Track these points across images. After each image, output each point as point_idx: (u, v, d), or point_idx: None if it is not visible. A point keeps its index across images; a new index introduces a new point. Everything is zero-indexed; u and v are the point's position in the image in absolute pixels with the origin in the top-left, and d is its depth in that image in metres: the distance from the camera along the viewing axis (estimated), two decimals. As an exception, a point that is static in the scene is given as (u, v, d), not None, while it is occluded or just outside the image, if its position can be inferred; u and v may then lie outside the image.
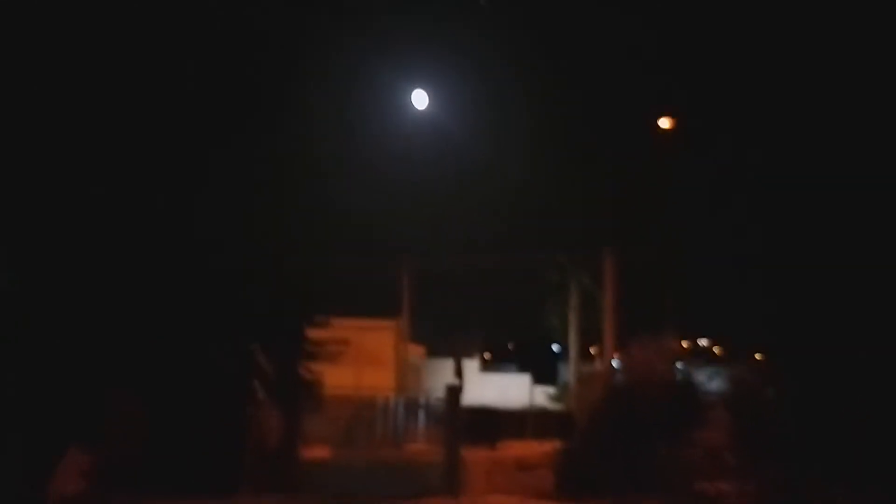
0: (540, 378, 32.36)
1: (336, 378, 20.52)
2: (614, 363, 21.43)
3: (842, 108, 17.76)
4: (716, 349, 35.28)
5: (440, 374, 26.01)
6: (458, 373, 18.09)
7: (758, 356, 19.08)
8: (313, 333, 16.45)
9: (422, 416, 19.12)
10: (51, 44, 12.20)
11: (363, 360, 25.11)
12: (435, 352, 30.66)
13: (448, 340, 31.11)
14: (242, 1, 15.38)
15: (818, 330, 17.76)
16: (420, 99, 23.89)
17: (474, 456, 17.53)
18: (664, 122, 22.72)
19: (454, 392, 17.31)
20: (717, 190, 20.49)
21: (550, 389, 30.69)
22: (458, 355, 19.11)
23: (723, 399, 19.06)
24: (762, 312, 18.90)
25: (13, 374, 11.31)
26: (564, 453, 18.79)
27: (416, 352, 29.23)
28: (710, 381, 19.51)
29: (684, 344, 33.03)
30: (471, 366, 32.27)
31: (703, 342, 35.31)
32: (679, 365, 20.59)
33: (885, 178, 17.03)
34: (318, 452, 17.78)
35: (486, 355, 39.04)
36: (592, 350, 30.79)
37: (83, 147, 12.33)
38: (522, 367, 34.75)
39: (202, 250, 13.33)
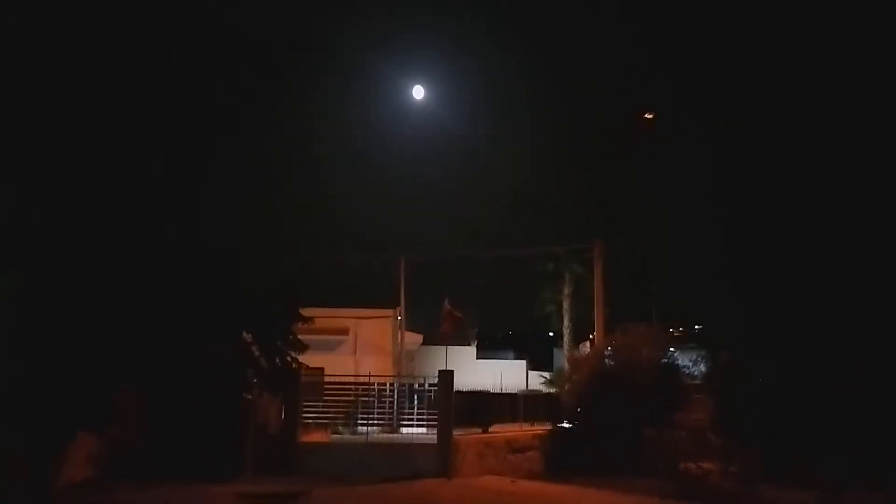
0: (536, 364, 33.03)
1: (336, 365, 21.21)
2: (604, 349, 22.03)
3: (822, 105, 18.13)
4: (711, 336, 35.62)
5: (435, 361, 26.68)
6: None
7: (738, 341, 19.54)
8: (310, 324, 17.03)
9: (417, 401, 19.64)
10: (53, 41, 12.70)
11: (362, 348, 25.81)
12: (431, 340, 31.26)
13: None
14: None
15: (798, 316, 18.26)
16: (418, 93, 24.45)
17: (467, 439, 18.00)
18: (648, 115, 23.34)
19: (447, 377, 17.83)
20: (701, 180, 20.99)
21: (546, 374, 31.33)
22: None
23: (706, 382, 19.69)
24: (746, 299, 19.39)
25: (24, 368, 11.78)
26: (553, 435, 19.47)
27: (412, 340, 29.86)
28: (695, 365, 20.01)
29: (679, 329, 33.60)
30: (468, 353, 32.95)
31: (696, 327, 35.77)
32: (668, 350, 21.12)
33: (859, 175, 17.44)
34: (317, 437, 18.36)
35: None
36: (590, 336, 31.34)
37: (85, 151, 12.81)
38: (519, 354, 35.43)
39: (198, 244, 13.84)
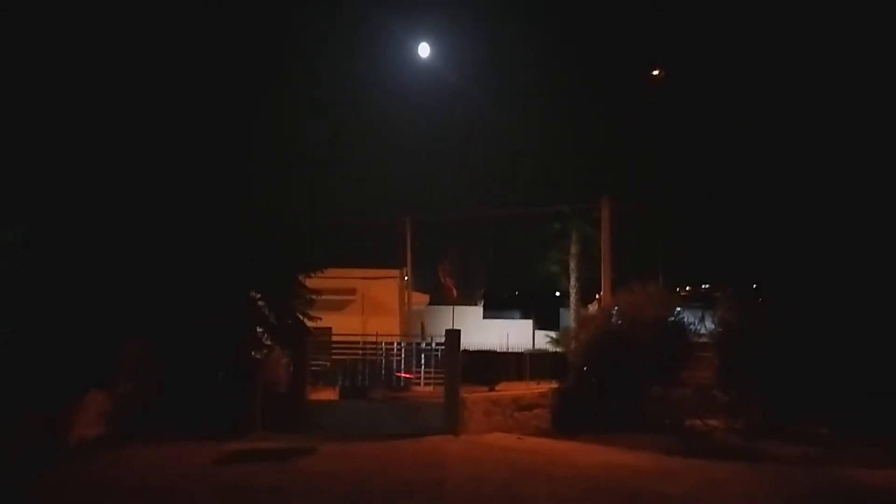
0: (542, 323, 33.15)
1: (344, 325, 21.34)
2: (611, 308, 22.02)
3: (829, 62, 17.91)
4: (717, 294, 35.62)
5: (442, 321, 26.83)
6: None
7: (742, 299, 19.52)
8: (317, 283, 17.11)
9: (424, 359, 19.78)
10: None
11: (369, 308, 25.96)
12: (437, 300, 31.37)
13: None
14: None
15: (805, 271, 18.21)
16: (424, 50, 24.13)
17: (474, 397, 18.13)
18: (655, 72, 23.06)
19: (454, 336, 17.90)
20: (709, 138, 20.85)
21: (552, 333, 31.44)
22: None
23: (713, 340, 19.69)
24: (748, 257, 19.36)
25: (31, 323, 11.82)
26: (560, 393, 19.56)
27: (419, 300, 29.95)
28: (701, 323, 19.99)
29: (685, 288, 33.66)
30: (475, 312, 33.05)
31: (703, 287, 35.82)
32: (675, 308, 21.08)
33: (865, 128, 17.25)
34: (326, 395, 18.54)
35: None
36: (596, 296, 31.41)
37: (95, 109, 12.74)
38: (525, 313, 35.53)
39: (207, 205, 13.85)
